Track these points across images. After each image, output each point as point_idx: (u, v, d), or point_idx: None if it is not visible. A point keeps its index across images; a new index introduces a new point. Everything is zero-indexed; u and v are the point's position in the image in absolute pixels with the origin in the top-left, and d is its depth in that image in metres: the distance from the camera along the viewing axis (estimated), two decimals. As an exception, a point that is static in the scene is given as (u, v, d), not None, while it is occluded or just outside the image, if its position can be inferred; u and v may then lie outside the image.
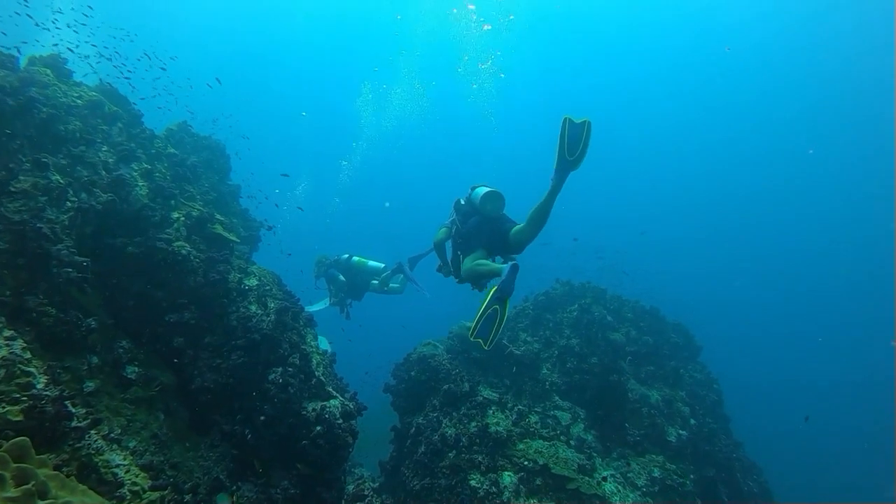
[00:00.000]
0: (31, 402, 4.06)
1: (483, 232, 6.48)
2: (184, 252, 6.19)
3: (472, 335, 5.52)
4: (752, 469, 12.04)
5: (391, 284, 11.62)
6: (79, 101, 6.22)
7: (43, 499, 2.87)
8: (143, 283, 6.06)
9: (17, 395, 4.05)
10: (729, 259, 50.62)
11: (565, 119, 5.37)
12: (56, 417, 4.15)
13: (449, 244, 7.33)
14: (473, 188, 7.08)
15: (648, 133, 49.82)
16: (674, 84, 45.38)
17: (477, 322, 5.46)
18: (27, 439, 3.10)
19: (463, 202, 7.22)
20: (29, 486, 2.77)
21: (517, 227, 6.18)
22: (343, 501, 8.14)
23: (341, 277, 11.38)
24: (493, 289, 5.51)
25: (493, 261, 6.35)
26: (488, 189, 6.52)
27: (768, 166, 46.69)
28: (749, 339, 43.05)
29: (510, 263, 5.64)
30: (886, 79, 31.71)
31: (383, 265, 11.46)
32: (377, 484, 9.97)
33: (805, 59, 37.02)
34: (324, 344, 10.98)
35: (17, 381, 4.13)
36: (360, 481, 9.68)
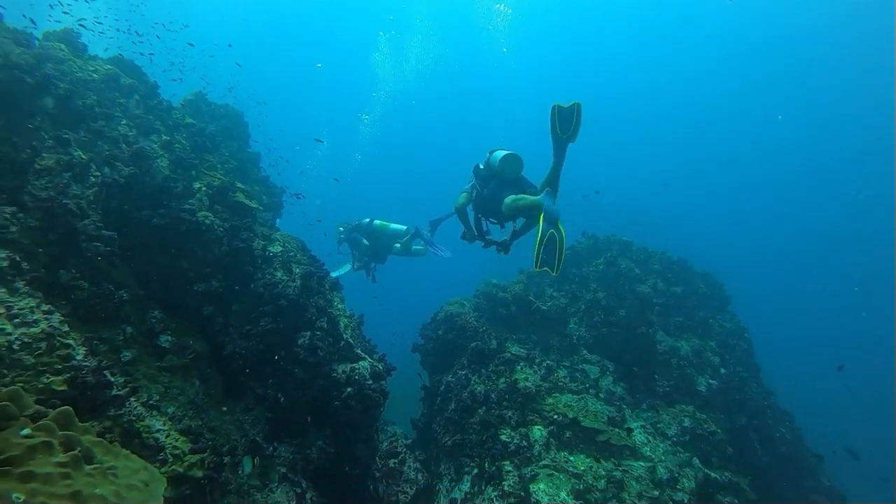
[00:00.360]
0: (72, 372, 4.19)
1: (504, 195, 6.56)
2: (207, 222, 6.25)
3: (536, 266, 5.69)
4: (783, 416, 12.02)
5: (414, 247, 11.65)
6: (94, 75, 6.22)
7: (89, 463, 2.99)
8: (170, 254, 6.15)
9: (59, 366, 4.18)
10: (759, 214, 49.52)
11: (554, 106, 5.77)
12: (97, 386, 4.29)
13: (470, 209, 7.42)
14: (492, 152, 7.06)
15: (671, 89, 48.43)
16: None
17: (538, 253, 5.65)
18: (70, 408, 3.21)
19: (482, 167, 7.20)
20: (76, 451, 2.88)
21: (533, 190, 6.36)
22: (377, 458, 8.38)
23: (364, 241, 11.43)
24: (541, 215, 5.80)
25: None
26: (506, 152, 6.56)
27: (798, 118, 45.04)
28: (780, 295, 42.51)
29: (544, 191, 6.10)
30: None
31: (405, 227, 11.46)
32: (410, 441, 10.21)
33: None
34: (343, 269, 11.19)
35: (58, 352, 4.26)
36: (393, 438, 9.90)
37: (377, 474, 8.24)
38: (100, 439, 3.24)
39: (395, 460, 8.98)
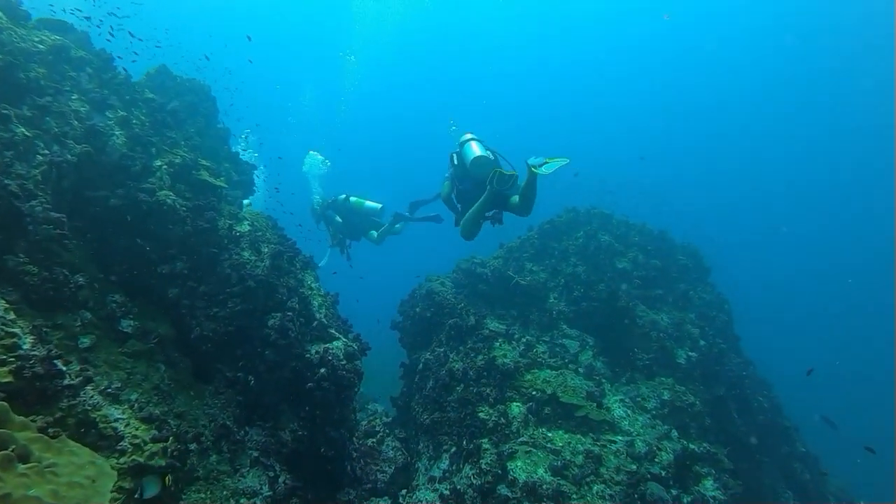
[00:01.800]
0: (18, 362, 3.98)
1: (478, 197, 6.85)
2: (168, 201, 5.98)
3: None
4: (762, 385, 12.13)
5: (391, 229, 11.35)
6: (41, 47, 5.86)
7: (25, 462, 2.82)
8: (131, 235, 5.90)
9: (4, 357, 3.97)
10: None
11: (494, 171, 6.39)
12: (46, 376, 4.09)
13: (454, 196, 7.62)
14: (462, 143, 7.11)
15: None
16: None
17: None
18: (4, 404, 3.02)
19: (455, 159, 7.26)
20: (8, 451, 2.71)
21: (514, 199, 6.66)
22: (354, 438, 8.30)
23: (338, 219, 11.18)
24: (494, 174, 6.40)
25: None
26: (476, 154, 6.73)
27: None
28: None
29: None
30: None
31: (380, 205, 11.21)
32: (390, 419, 10.15)
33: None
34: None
35: (2, 342, 4.04)
36: (373, 417, 9.84)
37: (354, 454, 8.16)
38: (39, 435, 3.07)
39: (374, 440, 8.91)
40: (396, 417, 9.98)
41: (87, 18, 8.97)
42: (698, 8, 40.72)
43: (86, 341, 5.11)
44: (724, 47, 43.66)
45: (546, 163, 5.94)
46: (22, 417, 3.12)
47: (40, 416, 3.62)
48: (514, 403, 8.16)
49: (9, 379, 3.90)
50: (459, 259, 11.22)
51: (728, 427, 9.80)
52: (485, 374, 8.49)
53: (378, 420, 9.52)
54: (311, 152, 13.29)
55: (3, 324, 4.11)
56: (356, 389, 7.42)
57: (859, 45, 34.64)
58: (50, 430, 3.36)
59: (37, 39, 5.91)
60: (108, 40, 9.15)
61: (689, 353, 10.12)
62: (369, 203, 11.28)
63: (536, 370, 8.80)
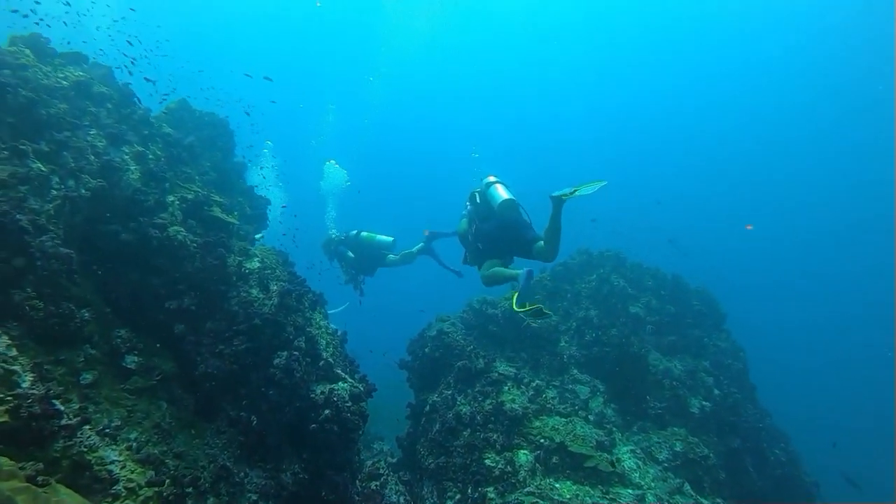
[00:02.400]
0: (15, 401, 3.92)
1: (503, 239, 7.04)
2: (179, 237, 5.99)
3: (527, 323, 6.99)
4: (779, 438, 11.74)
5: (406, 254, 11.30)
6: (64, 83, 5.98)
7: (10, 514, 2.73)
8: (140, 270, 5.89)
9: (2, 395, 3.92)
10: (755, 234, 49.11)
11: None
12: (43, 416, 4.02)
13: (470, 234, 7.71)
14: (488, 184, 7.26)
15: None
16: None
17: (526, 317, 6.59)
18: (-6, 451, 2.95)
19: (478, 199, 7.39)
20: (-9, 503, 2.63)
21: (539, 244, 6.66)
22: (357, 481, 8.09)
23: (350, 254, 11.18)
24: (525, 307, 6.29)
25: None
26: (505, 198, 6.88)
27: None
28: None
29: (525, 270, 6.39)
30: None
31: (392, 239, 11.20)
32: (395, 459, 9.92)
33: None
34: (338, 310, 10.86)
35: (1, 379, 4.00)
36: (377, 458, 9.62)
37: (357, 498, 7.94)
38: (27, 485, 2.97)
39: (377, 482, 8.68)
40: (402, 459, 9.75)
41: (126, 57, 9.28)
42: (720, 50, 41.05)
43: (88, 377, 5.05)
44: (739, 90, 43.83)
45: (575, 191, 5.88)
46: (10, 466, 3.04)
47: (31, 462, 3.52)
48: (522, 451, 7.93)
49: (5, 419, 3.84)
50: (471, 299, 11.11)
51: (743, 481, 9.46)
52: (492, 419, 8.29)
53: (382, 461, 9.29)
54: (330, 162, 13.39)
55: (3, 361, 4.07)
56: (360, 432, 7.26)
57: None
58: (39, 479, 3.26)
59: (61, 76, 6.03)
60: (147, 80, 9.39)
61: (703, 403, 9.84)
62: (381, 237, 11.28)
63: (545, 416, 8.58)
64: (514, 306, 6.42)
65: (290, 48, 45.17)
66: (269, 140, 15.45)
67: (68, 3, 10.25)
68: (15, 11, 7.81)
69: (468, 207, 7.87)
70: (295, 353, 6.65)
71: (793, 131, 43.45)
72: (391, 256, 11.38)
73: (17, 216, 4.44)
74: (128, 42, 11.56)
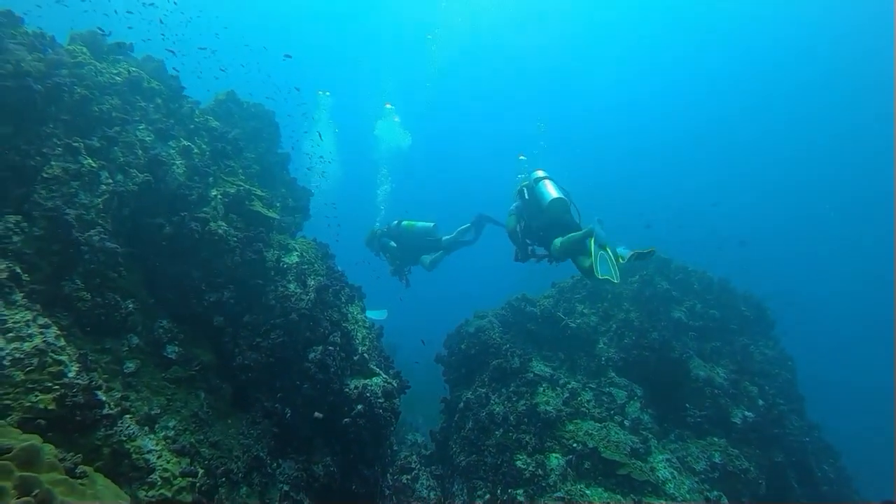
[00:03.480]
0: (62, 390, 4.10)
1: (553, 234, 7.18)
2: (220, 232, 6.14)
3: (598, 275, 6.62)
4: (827, 453, 11.26)
5: (459, 240, 11.24)
6: (117, 79, 6.17)
7: (47, 507, 2.85)
8: (183, 263, 6.06)
9: (50, 384, 4.11)
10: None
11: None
12: (86, 406, 4.19)
13: (519, 230, 8.04)
14: (536, 180, 7.26)
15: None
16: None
17: (595, 266, 6.58)
18: (35, 444, 3.08)
19: (527, 194, 7.39)
20: (30, 497, 2.75)
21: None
22: (388, 474, 8.19)
23: (392, 244, 11.23)
24: (591, 239, 6.63)
25: None
26: (554, 196, 6.94)
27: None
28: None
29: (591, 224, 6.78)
30: None
31: (432, 224, 11.17)
32: (428, 452, 9.98)
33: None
34: (377, 315, 10.93)
35: (50, 369, 4.18)
36: (410, 452, 9.70)
37: (387, 492, 8.04)
38: (65, 477, 3.10)
39: (409, 476, 8.77)
40: (434, 452, 9.80)
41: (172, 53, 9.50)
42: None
43: (131, 366, 5.26)
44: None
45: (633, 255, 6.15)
46: (52, 456, 3.18)
47: (71, 454, 3.68)
48: (554, 454, 7.85)
49: (52, 406, 4.02)
50: (510, 296, 11.01)
51: (786, 497, 9.11)
52: (525, 420, 8.23)
53: (414, 455, 9.37)
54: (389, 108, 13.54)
55: (52, 350, 4.26)
56: (392, 428, 7.33)
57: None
58: (77, 470, 3.41)
59: (115, 72, 6.23)
60: (169, 51, 9.52)
61: (746, 414, 9.50)
62: (421, 223, 11.27)
63: (579, 420, 8.45)
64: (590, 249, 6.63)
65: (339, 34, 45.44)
66: (324, 91, 15.57)
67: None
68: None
69: (516, 203, 7.87)
70: (330, 347, 6.74)
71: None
72: (424, 258, 11.31)
73: (66, 210, 4.62)
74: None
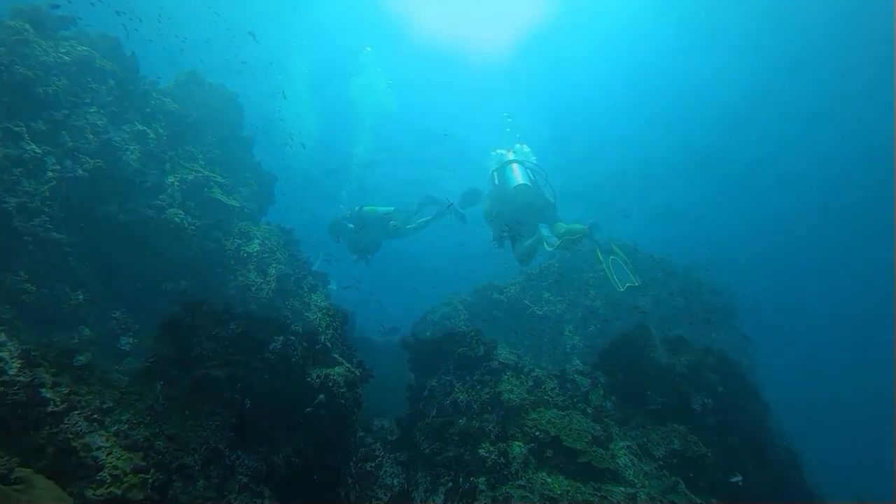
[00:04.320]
0: (2, 388, 3.96)
1: (523, 221, 7.16)
2: (177, 220, 5.97)
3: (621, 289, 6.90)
4: (782, 437, 11.61)
5: (420, 220, 11.19)
6: (66, 58, 5.88)
7: (-22, 516, 2.76)
8: (138, 252, 5.89)
9: (-12, 382, 3.96)
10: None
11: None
12: (29, 404, 4.06)
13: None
14: (504, 164, 7.18)
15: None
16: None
17: (613, 279, 6.76)
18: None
19: (496, 179, 7.34)
20: (-42, 507, 2.65)
21: (561, 226, 6.93)
22: (352, 462, 8.17)
23: (350, 225, 11.11)
24: (597, 249, 6.65)
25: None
26: (519, 182, 6.89)
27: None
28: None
29: (588, 224, 6.82)
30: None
31: (392, 208, 11.10)
32: (394, 438, 10.00)
33: None
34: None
35: (-11, 366, 4.04)
36: (374, 439, 9.70)
37: (350, 480, 8.03)
38: (1, 487, 3.00)
39: (373, 464, 8.76)
40: (400, 437, 9.82)
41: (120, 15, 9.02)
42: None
43: (81, 359, 5.09)
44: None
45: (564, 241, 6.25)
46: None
47: (4, 458, 3.56)
48: (517, 443, 7.92)
49: (-9, 405, 3.88)
50: (478, 283, 11.03)
51: (742, 481, 9.37)
52: (489, 408, 8.29)
53: (378, 443, 9.37)
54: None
55: (-9, 347, 4.11)
56: (355, 417, 7.30)
57: None
58: (13, 476, 3.29)
59: (63, 51, 5.93)
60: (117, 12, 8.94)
61: (706, 400, 9.70)
62: (381, 207, 11.18)
63: (543, 409, 8.54)
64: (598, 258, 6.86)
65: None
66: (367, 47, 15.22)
67: None
68: None
69: (490, 187, 7.87)
70: (291, 337, 6.66)
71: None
72: (407, 226, 11.21)
73: (5, 198, 4.42)
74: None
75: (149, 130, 6.35)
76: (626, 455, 8.21)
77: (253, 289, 6.45)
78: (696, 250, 24.52)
